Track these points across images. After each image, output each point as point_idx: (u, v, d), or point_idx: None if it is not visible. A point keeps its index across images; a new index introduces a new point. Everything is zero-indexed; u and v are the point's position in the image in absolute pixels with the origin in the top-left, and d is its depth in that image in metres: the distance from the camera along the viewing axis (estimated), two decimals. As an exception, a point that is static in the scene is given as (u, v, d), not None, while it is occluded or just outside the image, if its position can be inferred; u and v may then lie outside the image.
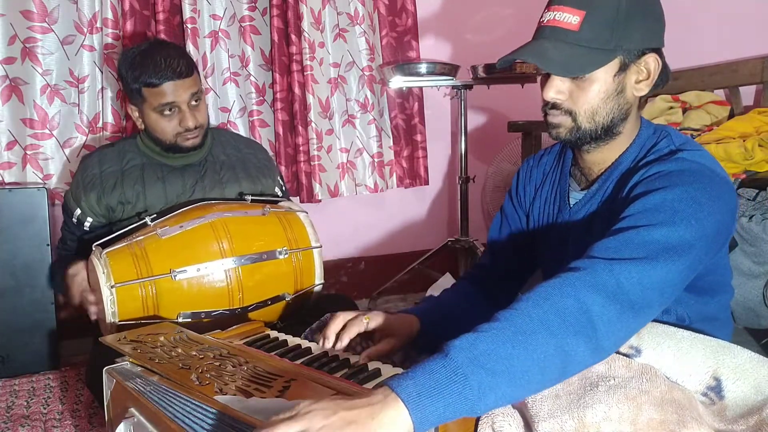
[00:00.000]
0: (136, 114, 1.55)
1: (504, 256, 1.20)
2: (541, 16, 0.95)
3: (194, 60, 1.62)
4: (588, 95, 0.93)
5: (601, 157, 1.01)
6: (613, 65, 0.92)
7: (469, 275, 1.23)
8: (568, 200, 1.07)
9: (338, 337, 0.97)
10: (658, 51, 0.95)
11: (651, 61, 0.94)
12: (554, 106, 0.96)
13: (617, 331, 0.75)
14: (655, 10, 0.94)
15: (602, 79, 0.92)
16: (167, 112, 1.49)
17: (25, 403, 1.54)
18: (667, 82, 0.99)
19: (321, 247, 1.45)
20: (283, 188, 1.76)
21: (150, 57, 1.47)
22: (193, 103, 1.51)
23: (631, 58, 0.92)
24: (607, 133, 0.97)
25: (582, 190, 1.06)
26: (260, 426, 0.63)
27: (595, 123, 0.95)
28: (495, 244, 1.21)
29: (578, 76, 0.92)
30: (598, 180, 1.02)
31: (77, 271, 1.42)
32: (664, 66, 0.96)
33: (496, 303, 1.17)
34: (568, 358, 0.71)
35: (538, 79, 1.00)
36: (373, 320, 0.99)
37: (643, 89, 0.96)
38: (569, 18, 0.90)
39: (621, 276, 0.75)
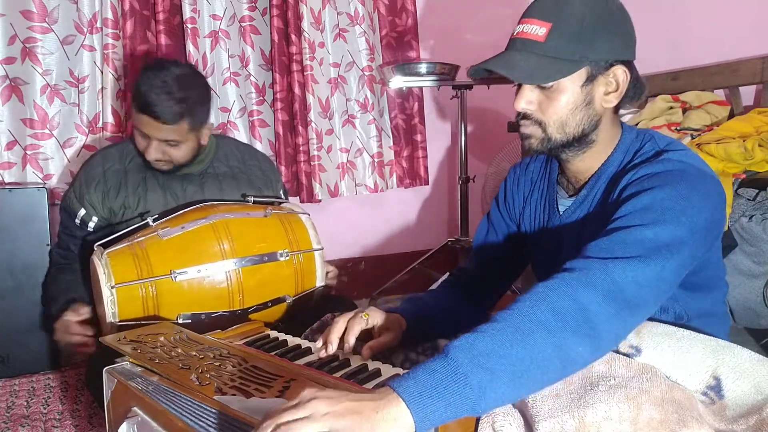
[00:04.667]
0: None
1: (488, 263, 1.21)
2: (514, 29, 0.98)
3: (198, 109, 1.49)
4: (556, 106, 0.95)
5: (585, 165, 1.02)
6: (580, 76, 0.94)
7: (453, 278, 1.24)
8: (557, 207, 1.08)
9: (342, 339, 0.97)
10: (628, 64, 0.96)
11: (619, 73, 0.95)
12: (525, 116, 0.98)
13: (615, 328, 0.75)
14: (623, 24, 0.95)
15: (570, 89, 0.94)
16: (142, 134, 1.48)
17: (25, 403, 1.54)
18: (641, 94, 1.00)
19: (322, 249, 1.45)
20: (284, 198, 1.76)
21: (154, 81, 1.42)
22: (170, 143, 1.48)
23: (599, 69, 0.94)
24: (579, 142, 0.98)
25: (570, 196, 1.07)
26: (265, 416, 0.63)
27: (566, 134, 0.97)
28: (480, 250, 1.22)
29: (544, 84, 0.94)
30: (585, 186, 1.03)
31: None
32: (637, 79, 0.98)
33: (478, 307, 1.18)
34: (567, 357, 0.71)
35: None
36: (372, 316, 0.99)
37: (612, 101, 0.97)
38: (536, 30, 0.93)
39: (615, 274, 0.76)
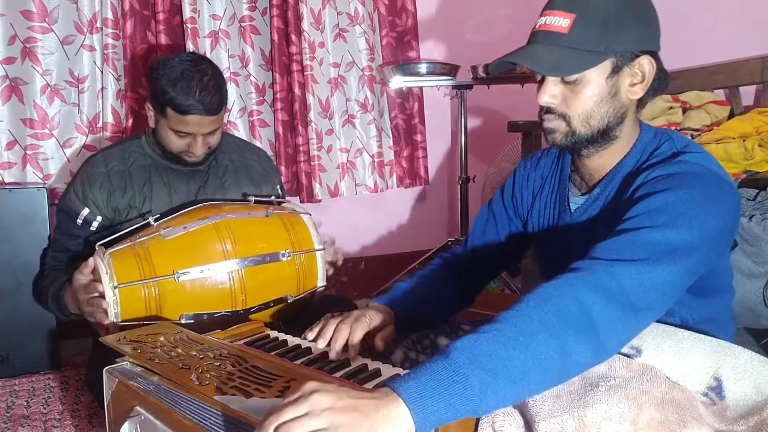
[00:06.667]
0: (152, 114, 1.52)
1: (482, 254, 1.20)
2: (536, 22, 0.96)
3: (226, 90, 1.55)
4: (581, 98, 0.93)
5: (601, 163, 1.01)
6: (605, 67, 0.92)
7: (443, 261, 1.22)
8: (569, 205, 1.07)
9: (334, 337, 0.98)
10: (653, 54, 0.95)
11: (645, 63, 0.94)
12: (549, 110, 0.97)
13: (619, 332, 0.75)
14: (648, 14, 0.94)
15: (595, 81, 0.93)
16: (182, 135, 1.48)
17: (25, 403, 1.54)
18: (666, 86, 0.99)
19: (324, 249, 1.45)
20: (281, 195, 1.76)
21: (188, 82, 1.42)
22: (210, 133, 1.51)
23: (624, 60, 0.93)
24: (603, 137, 0.97)
25: (583, 194, 1.06)
26: (267, 413, 0.63)
27: (590, 127, 0.95)
28: (476, 239, 1.22)
29: (569, 77, 0.93)
30: (599, 185, 1.02)
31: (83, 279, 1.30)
32: (661, 69, 0.96)
33: (465, 291, 1.19)
34: (569, 359, 0.71)
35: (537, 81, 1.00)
36: (374, 319, 1.02)
37: (638, 92, 0.96)
38: (560, 21, 0.91)
39: (622, 277, 0.75)
